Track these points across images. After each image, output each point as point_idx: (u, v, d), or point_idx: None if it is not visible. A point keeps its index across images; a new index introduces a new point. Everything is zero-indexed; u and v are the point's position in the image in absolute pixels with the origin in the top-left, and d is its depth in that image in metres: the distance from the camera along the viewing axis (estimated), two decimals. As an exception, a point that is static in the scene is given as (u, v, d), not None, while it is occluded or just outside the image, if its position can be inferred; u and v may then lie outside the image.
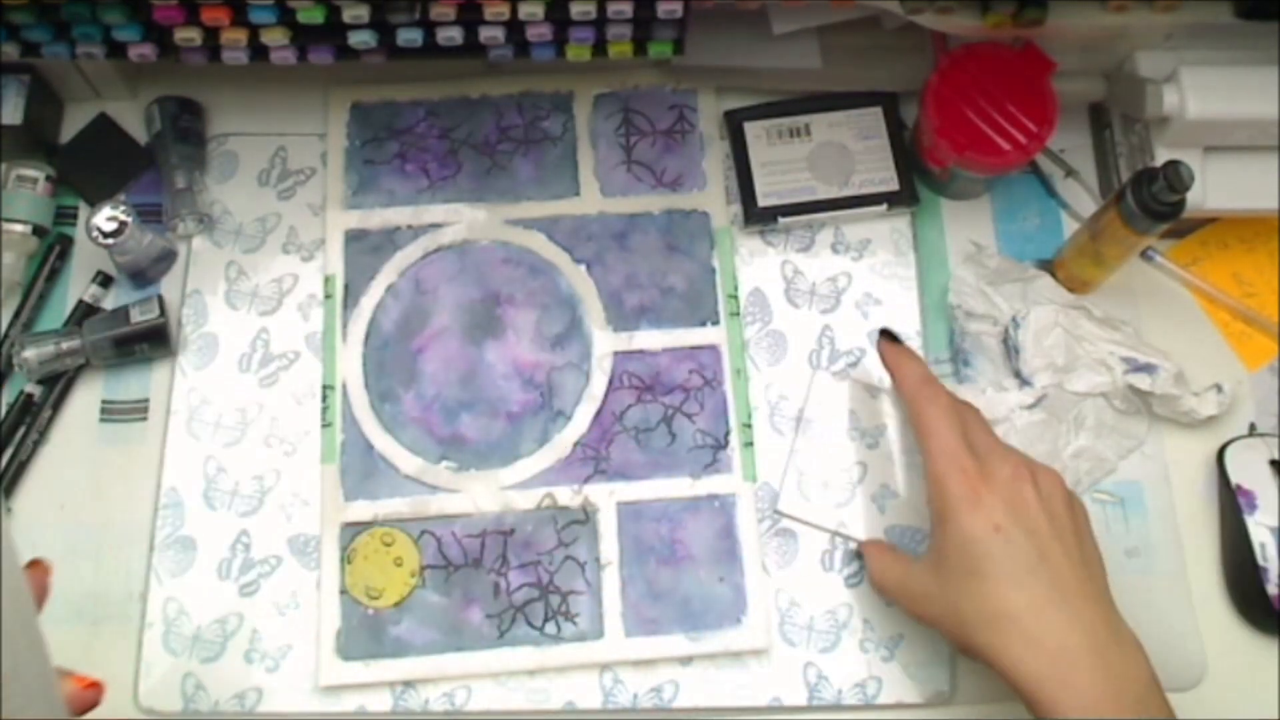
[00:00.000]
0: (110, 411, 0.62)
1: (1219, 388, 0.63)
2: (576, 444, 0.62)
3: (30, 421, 0.61)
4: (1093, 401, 0.62)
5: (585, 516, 0.61)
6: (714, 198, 0.67)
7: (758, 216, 0.65)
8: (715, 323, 0.64)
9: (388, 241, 0.65)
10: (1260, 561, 0.60)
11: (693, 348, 0.64)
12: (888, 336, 0.60)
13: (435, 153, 0.67)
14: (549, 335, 0.64)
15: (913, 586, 0.54)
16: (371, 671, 0.57)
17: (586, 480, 0.61)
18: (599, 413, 0.62)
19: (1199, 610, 0.61)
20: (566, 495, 0.61)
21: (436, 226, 0.65)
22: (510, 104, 0.68)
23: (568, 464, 0.62)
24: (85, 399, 0.63)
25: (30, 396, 0.62)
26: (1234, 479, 0.61)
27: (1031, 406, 0.61)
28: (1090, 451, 0.62)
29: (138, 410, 0.62)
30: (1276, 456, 0.62)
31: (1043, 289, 0.64)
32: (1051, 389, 0.62)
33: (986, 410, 0.61)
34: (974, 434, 0.54)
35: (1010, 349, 0.63)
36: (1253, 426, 0.64)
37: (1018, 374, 0.63)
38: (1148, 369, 0.62)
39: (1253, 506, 0.61)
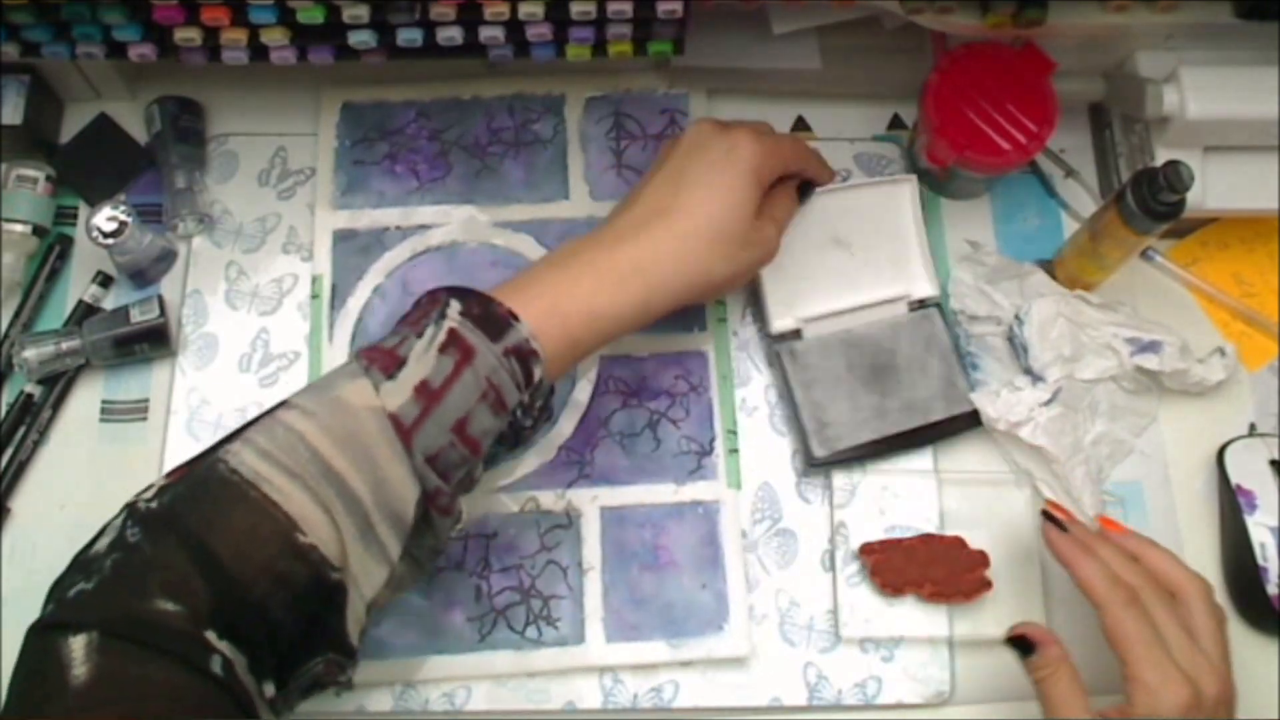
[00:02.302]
0: (110, 411, 0.62)
1: (1221, 351, 0.63)
2: (561, 448, 0.62)
3: (30, 421, 0.61)
4: (1103, 386, 0.62)
5: (568, 521, 0.61)
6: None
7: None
8: (703, 329, 0.64)
9: (376, 242, 0.65)
10: (1260, 561, 0.60)
11: (679, 353, 0.64)
12: (1054, 522, 0.55)
13: (425, 154, 0.67)
14: (538, 338, 0.64)
15: None
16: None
17: (570, 484, 0.61)
18: (584, 417, 0.62)
19: (1199, 610, 0.61)
20: (550, 499, 0.61)
21: (425, 228, 0.65)
22: (501, 106, 0.68)
23: (552, 468, 0.61)
24: (85, 399, 0.63)
25: (30, 396, 0.62)
26: (1234, 479, 0.61)
27: (1048, 402, 0.61)
28: (1108, 436, 0.62)
29: (138, 410, 0.62)
30: (1276, 456, 0.62)
31: (1038, 284, 0.64)
32: (1064, 381, 0.61)
33: (1005, 413, 0.60)
34: (1170, 641, 0.51)
35: (1017, 347, 0.63)
36: (1253, 426, 0.64)
37: (1028, 371, 0.62)
38: (1153, 347, 0.62)
39: (1253, 506, 0.61)
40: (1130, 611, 0.51)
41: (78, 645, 0.38)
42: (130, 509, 0.43)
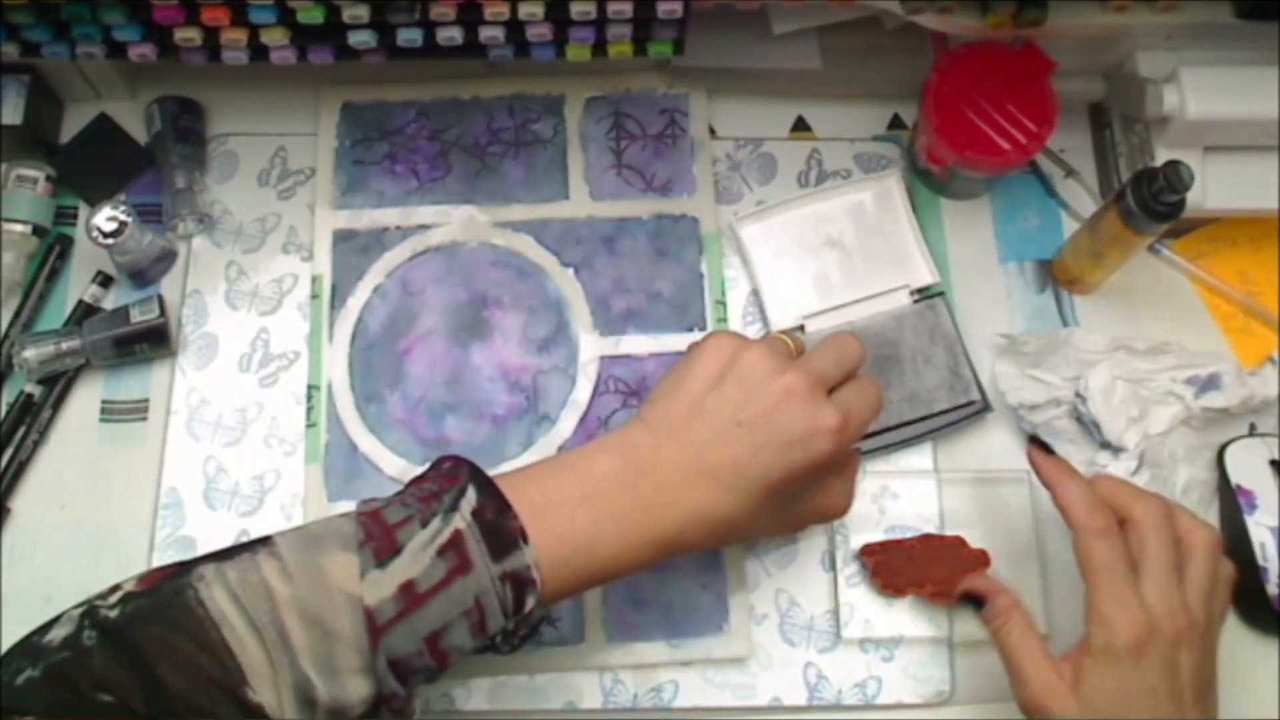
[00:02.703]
0: (110, 411, 0.62)
1: (1271, 359, 0.63)
2: (561, 448, 0.62)
3: (30, 421, 0.61)
4: (1176, 432, 0.61)
5: None
6: (703, 203, 0.66)
7: None
8: (702, 328, 0.64)
9: (376, 242, 0.65)
10: (1260, 561, 0.60)
11: (679, 353, 0.63)
12: (1039, 446, 0.56)
13: (425, 154, 0.67)
14: (535, 338, 0.64)
15: (1044, 680, 0.50)
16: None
17: (570, 484, 0.61)
18: (584, 417, 0.62)
19: (1199, 610, 0.61)
20: None
21: (425, 228, 0.65)
22: (501, 106, 0.68)
23: (552, 468, 0.61)
24: (85, 399, 0.63)
25: (30, 396, 0.62)
26: (1234, 479, 0.61)
27: (1137, 470, 0.60)
28: (1195, 480, 0.61)
29: (138, 410, 0.62)
30: (1276, 456, 0.62)
31: (1081, 344, 0.62)
32: (1143, 443, 0.60)
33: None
34: (1145, 575, 0.50)
35: (1088, 425, 0.61)
36: (1253, 426, 0.64)
37: (1105, 445, 0.61)
38: (1213, 382, 0.61)
39: (1253, 506, 0.61)
40: (1104, 540, 0.50)
41: None
42: (91, 611, 0.42)
